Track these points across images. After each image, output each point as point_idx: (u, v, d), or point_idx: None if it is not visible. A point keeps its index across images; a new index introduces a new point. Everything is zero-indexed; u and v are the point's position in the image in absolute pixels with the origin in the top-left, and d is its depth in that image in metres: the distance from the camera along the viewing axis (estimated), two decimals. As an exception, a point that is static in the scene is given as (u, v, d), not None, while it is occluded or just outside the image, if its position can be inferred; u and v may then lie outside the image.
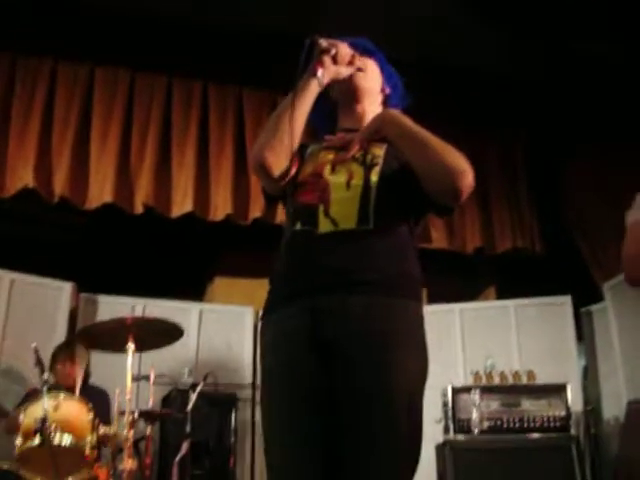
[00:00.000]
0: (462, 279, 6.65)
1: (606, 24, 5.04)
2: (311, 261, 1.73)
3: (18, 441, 3.50)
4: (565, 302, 5.86)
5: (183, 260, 6.45)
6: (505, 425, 5.09)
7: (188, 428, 4.18)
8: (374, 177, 1.81)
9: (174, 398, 4.90)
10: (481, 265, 6.64)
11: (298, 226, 1.79)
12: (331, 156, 1.90)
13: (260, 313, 1.85)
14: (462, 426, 5.11)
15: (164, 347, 4.09)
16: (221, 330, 5.86)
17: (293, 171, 1.87)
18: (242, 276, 6.20)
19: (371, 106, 2.05)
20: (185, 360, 5.48)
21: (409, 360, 1.66)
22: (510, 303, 6.03)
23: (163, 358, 4.68)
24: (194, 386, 4.43)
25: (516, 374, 5.56)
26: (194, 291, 6.45)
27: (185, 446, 4.09)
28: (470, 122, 6.05)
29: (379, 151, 1.88)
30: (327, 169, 1.87)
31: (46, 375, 3.62)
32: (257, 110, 5.81)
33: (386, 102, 2.11)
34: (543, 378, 5.45)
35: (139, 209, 5.39)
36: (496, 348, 5.75)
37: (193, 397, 4.29)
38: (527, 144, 6.60)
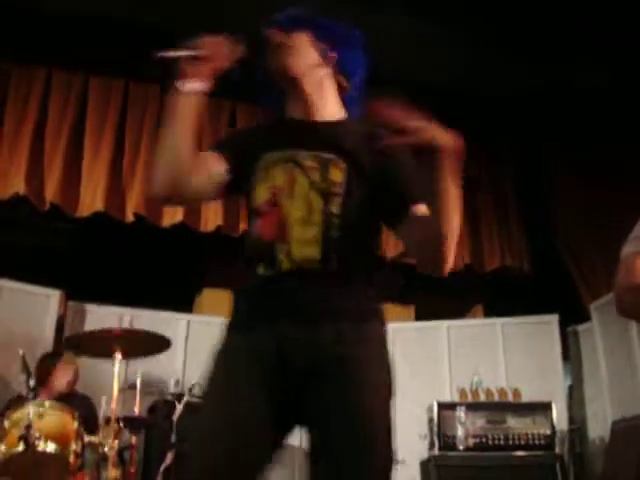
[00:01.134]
0: (450, 297, 6.67)
1: (590, 49, 5.12)
2: (277, 297, 1.70)
3: (1, 448, 3.47)
4: (552, 321, 5.88)
5: (172, 270, 6.44)
6: (490, 442, 5.10)
7: (173, 438, 4.17)
8: (335, 213, 1.70)
9: (160, 408, 4.87)
10: (469, 283, 6.65)
11: (261, 270, 1.73)
12: (284, 172, 1.76)
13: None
14: (447, 442, 5.11)
15: (151, 356, 4.09)
16: (209, 341, 5.81)
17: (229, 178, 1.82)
18: (230, 288, 6.19)
19: (315, 81, 1.87)
20: (172, 371, 5.47)
21: (379, 379, 1.68)
22: (497, 321, 6.04)
23: (150, 368, 4.68)
24: (180, 397, 4.42)
25: (502, 391, 5.58)
26: (182, 302, 6.43)
27: (170, 456, 4.07)
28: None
29: (338, 176, 1.74)
30: (284, 193, 1.74)
31: (32, 382, 3.61)
32: (249, 121, 5.82)
33: (339, 68, 1.91)
34: (529, 396, 5.47)
35: (130, 218, 5.40)
36: (483, 365, 5.75)
37: (179, 407, 4.27)
38: (516, 163, 6.65)
